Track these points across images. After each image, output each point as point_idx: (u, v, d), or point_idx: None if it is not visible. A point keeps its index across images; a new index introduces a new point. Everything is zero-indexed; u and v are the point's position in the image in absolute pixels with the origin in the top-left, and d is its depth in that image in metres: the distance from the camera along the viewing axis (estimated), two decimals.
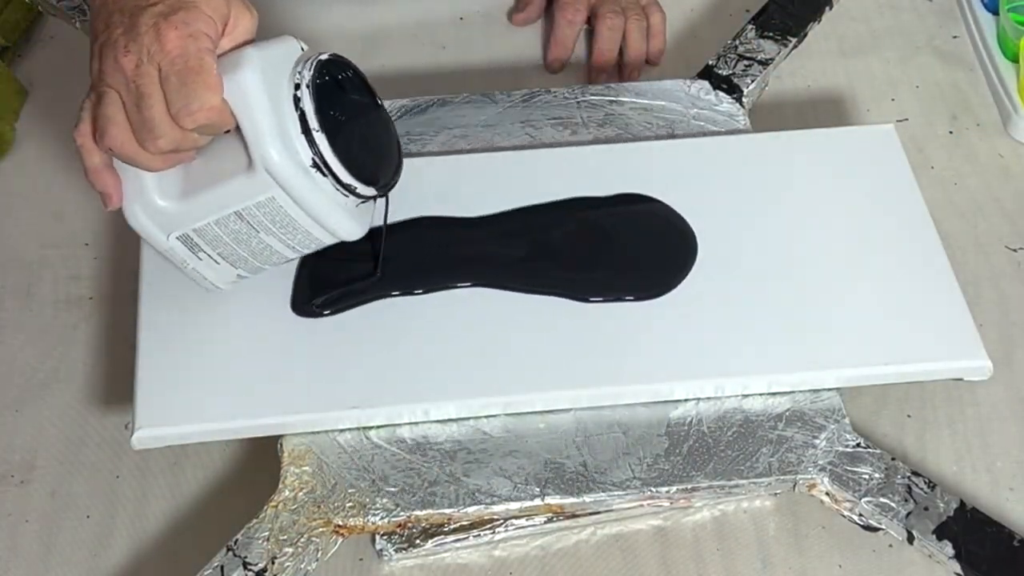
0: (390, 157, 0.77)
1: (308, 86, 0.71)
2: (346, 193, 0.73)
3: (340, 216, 0.74)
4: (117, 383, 0.84)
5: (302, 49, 0.73)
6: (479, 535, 0.77)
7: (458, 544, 0.77)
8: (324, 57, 0.73)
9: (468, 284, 0.80)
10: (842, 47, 1.05)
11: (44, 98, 1.01)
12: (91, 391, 0.84)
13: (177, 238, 0.75)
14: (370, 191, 0.74)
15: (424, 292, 0.80)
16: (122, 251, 0.91)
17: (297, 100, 0.70)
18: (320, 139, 0.71)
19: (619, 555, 0.77)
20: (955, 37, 1.06)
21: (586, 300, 0.80)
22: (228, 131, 0.70)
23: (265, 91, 0.69)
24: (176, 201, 0.74)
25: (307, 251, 0.76)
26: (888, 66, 1.04)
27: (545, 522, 0.77)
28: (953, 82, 1.02)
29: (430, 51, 1.04)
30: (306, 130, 0.70)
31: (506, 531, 0.77)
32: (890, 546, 0.77)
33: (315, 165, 0.71)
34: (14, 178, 0.96)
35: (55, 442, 0.82)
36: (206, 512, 0.79)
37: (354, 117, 0.74)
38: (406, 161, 0.82)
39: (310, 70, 0.71)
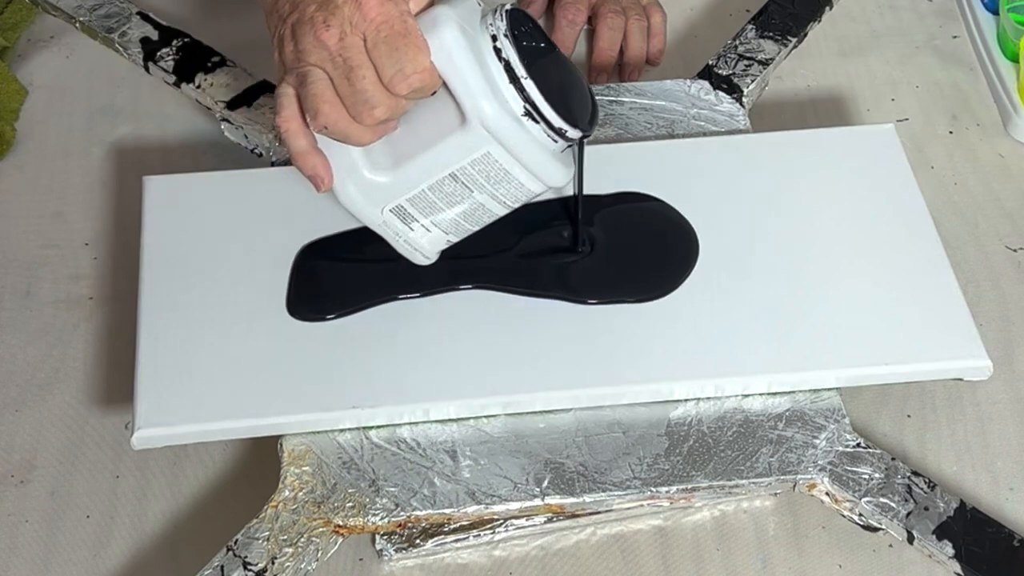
0: (584, 98, 0.75)
1: (506, 35, 0.70)
2: (556, 138, 0.72)
3: (552, 162, 0.73)
4: (117, 383, 0.84)
5: (479, 3, 0.72)
6: (479, 535, 0.77)
7: (458, 544, 0.77)
8: (508, 7, 0.71)
9: (468, 287, 0.80)
10: (842, 47, 1.05)
11: (44, 98, 1.01)
12: (91, 391, 0.84)
13: (391, 211, 0.74)
14: (577, 132, 0.72)
15: (423, 296, 0.80)
16: (122, 251, 0.91)
17: (498, 51, 0.70)
18: (529, 85, 0.70)
19: (619, 555, 0.77)
20: (955, 37, 1.06)
21: (587, 303, 0.80)
22: (434, 93, 0.70)
23: (468, 47, 0.69)
24: (388, 173, 0.73)
25: (516, 205, 0.75)
26: (888, 66, 1.04)
27: (545, 522, 0.77)
28: (953, 82, 1.02)
29: None
30: (514, 79, 0.70)
31: (506, 531, 0.77)
32: (890, 546, 0.77)
33: (527, 113, 0.70)
34: (14, 178, 0.96)
35: (55, 442, 0.82)
36: (206, 512, 0.79)
37: (547, 63, 0.73)
38: None
39: (503, 20, 0.70)
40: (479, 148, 0.71)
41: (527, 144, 0.71)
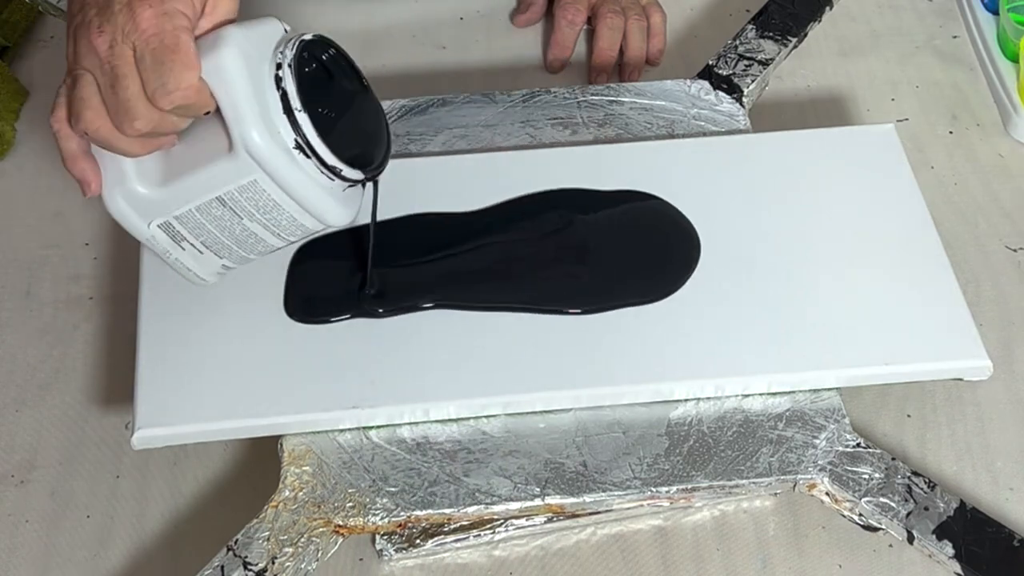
0: (379, 140, 0.74)
1: (290, 65, 0.68)
2: (331, 176, 0.71)
3: (326, 200, 0.71)
4: (117, 383, 0.84)
5: (285, 31, 0.71)
6: (479, 535, 0.77)
7: (458, 544, 0.77)
8: (308, 37, 0.70)
9: (468, 306, 0.80)
10: (842, 47, 1.05)
11: (44, 98, 1.01)
12: (91, 391, 0.84)
13: (159, 226, 0.73)
14: (356, 174, 0.71)
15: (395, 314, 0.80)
16: (122, 251, 0.91)
17: (279, 80, 0.68)
18: (303, 119, 0.69)
19: (619, 555, 0.77)
20: (955, 37, 1.06)
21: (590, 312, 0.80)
22: (209, 113, 0.68)
23: (246, 71, 0.67)
24: (157, 187, 0.72)
25: (294, 239, 0.75)
26: (888, 66, 1.04)
27: (545, 522, 0.77)
28: (953, 82, 1.02)
29: (430, 51, 1.04)
30: (288, 110, 0.68)
31: (506, 531, 0.77)
32: (890, 546, 0.77)
33: (298, 146, 0.69)
34: (14, 178, 0.96)
35: (55, 442, 0.82)
36: (206, 512, 0.79)
37: (340, 99, 0.72)
38: (405, 161, 0.82)
39: (292, 50, 0.69)
40: (246, 175, 0.70)
41: (297, 177, 0.70)
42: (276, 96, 0.68)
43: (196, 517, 0.79)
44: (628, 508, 0.76)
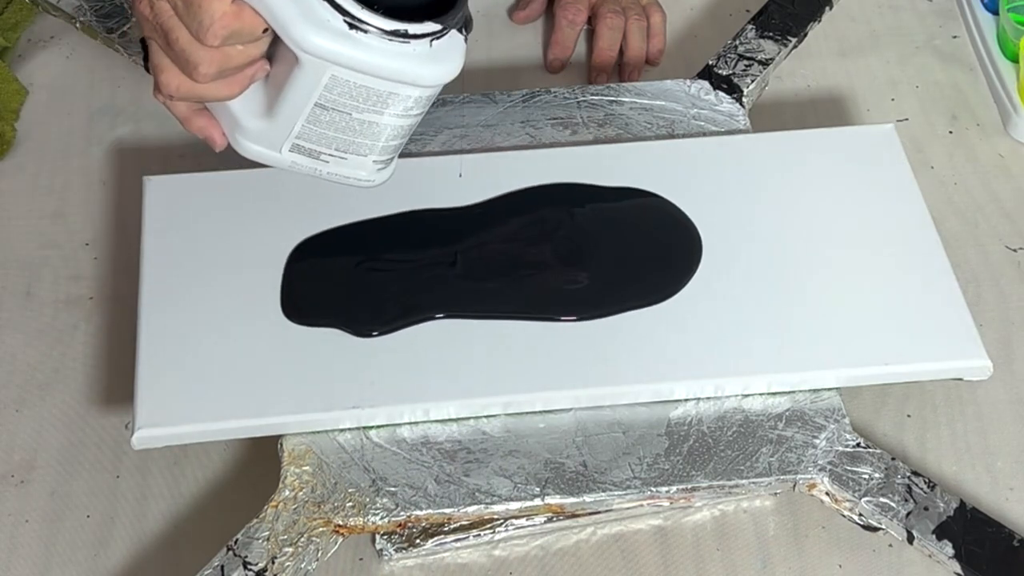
0: None
1: None
2: (403, 40, 0.67)
3: (412, 67, 0.68)
4: (117, 383, 0.84)
5: None
6: (479, 535, 0.77)
7: (458, 544, 0.77)
8: None
9: (469, 315, 0.79)
10: (842, 47, 1.05)
11: (44, 98, 1.01)
12: (91, 391, 0.84)
13: (290, 151, 0.73)
14: (429, 27, 0.68)
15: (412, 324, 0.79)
16: (122, 251, 0.91)
17: None
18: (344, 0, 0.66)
19: (619, 555, 0.77)
20: (955, 37, 1.06)
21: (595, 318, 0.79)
22: (267, 30, 0.67)
23: None
24: (267, 118, 0.72)
25: (416, 111, 0.71)
26: (888, 66, 1.04)
27: (545, 522, 0.77)
28: (953, 82, 1.02)
29: None
30: None
31: (506, 531, 0.77)
32: (890, 546, 0.77)
33: (352, 26, 0.66)
34: (14, 178, 0.96)
35: (55, 442, 0.82)
36: (206, 512, 0.79)
37: None
38: (404, 161, 0.82)
39: None
40: (323, 75, 0.68)
41: (369, 58, 0.67)
42: None
43: (196, 517, 0.79)
44: (628, 508, 0.76)
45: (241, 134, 0.72)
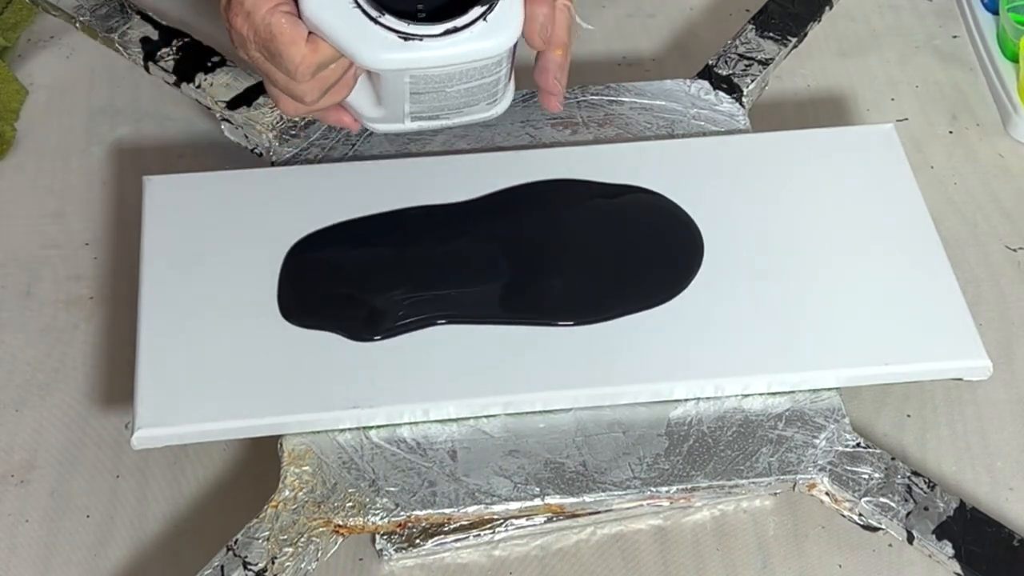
0: None
1: None
2: (456, 32, 0.72)
3: (474, 47, 0.73)
4: (117, 383, 0.84)
5: None
6: (479, 535, 0.77)
7: (458, 544, 0.77)
8: None
9: (466, 320, 0.79)
10: (842, 47, 1.05)
11: (44, 98, 1.01)
12: (91, 391, 0.84)
13: (412, 121, 0.78)
14: (475, 12, 0.72)
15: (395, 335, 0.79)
16: (122, 251, 0.91)
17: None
18: (389, 20, 0.71)
19: (619, 555, 0.77)
20: (955, 37, 1.06)
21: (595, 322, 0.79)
22: None
23: (328, 4, 0.71)
24: (380, 105, 0.77)
25: (504, 63, 0.76)
26: (888, 66, 1.04)
27: (545, 522, 0.77)
28: (953, 82, 1.02)
29: None
30: (374, 20, 0.71)
31: (506, 531, 0.77)
32: (890, 546, 0.77)
33: (406, 38, 0.71)
34: (14, 178, 0.96)
35: (55, 442, 0.82)
36: (206, 512, 0.79)
37: None
38: (404, 161, 0.83)
39: None
40: (402, 76, 0.73)
41: (432, 55, 0.72)
42: (360, 13, 0.71)
43: (196, 517, 0.79)
44: (628, 508, 0.76)
45: (367, 119, 0.79)
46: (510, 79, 0.80)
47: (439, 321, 0.79)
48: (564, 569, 0.77)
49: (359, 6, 0.71)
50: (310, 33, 0.72)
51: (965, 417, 0.83)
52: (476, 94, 0.77)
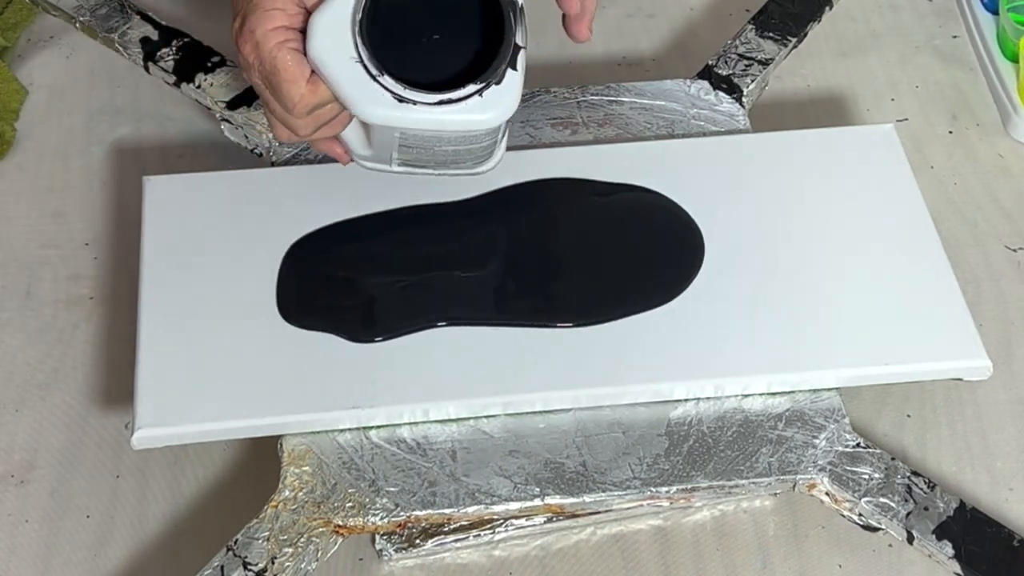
0: (496, 43, 0.73)
1: (359, 30, 0.71)
2: (448, 100, 0.72)
3: (466, 118, 0.73)
4: (117, 383, 0.84)
5: None
6: (479, 535, 0.77)
7: (458, 544, 0.77)
8: None
9: (466, 322, 0.79)
10: (842, 47, 1.05)
11: (44, 98, 1.01)
12: (91, 391, 0.84)
13: (399, 167, 0.79)
14: (471, 88, 0.72)
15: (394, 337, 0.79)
16: (122, 251, 0.91)
17: (357, 46, 0.71)
18: (387, 82, 0.71)
19: (619, 555, 0.77)
20: (955, 37, 1.06)
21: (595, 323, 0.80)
22: None
23: (334, 56, 0.71)
24: (369, 147, 0.78)
25: (491, 136, 0.76)
26: (888, 66, 1.04)
27: (545, 522, 0.77)
28: (953, 82, 1.02)
29: None
30: (373, 78, 0.71)
31: (506, 531, 0.77)
32: (890, 546, 0.77)
33: (401, 100, 0.71)
34: (14, 178, 0.96)
35: (55, 442, 0.82)
36: (206, 512, 0.79)
37: (424, 26, 0.75)
38: None
39: (360, 12, 0.71)
40: (393, 131, 0.74)
41: (423, 118, 0.72)
42: (360, 68, 0.71)
43: (196, 517, 0.79)
44: (628, 508, 0.76)
45: (359, 157, 0.80)
46: (503, 138, 0.79)
47: (439, 324, 0.79)
48: (564, 569, 0.77)
49: (361, 62, 0.71)
50: (312, 72, 0.72)
51: (965, 417, 0.83)
52: (464, 156, 0.78)
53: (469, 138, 0.75)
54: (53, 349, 0.86)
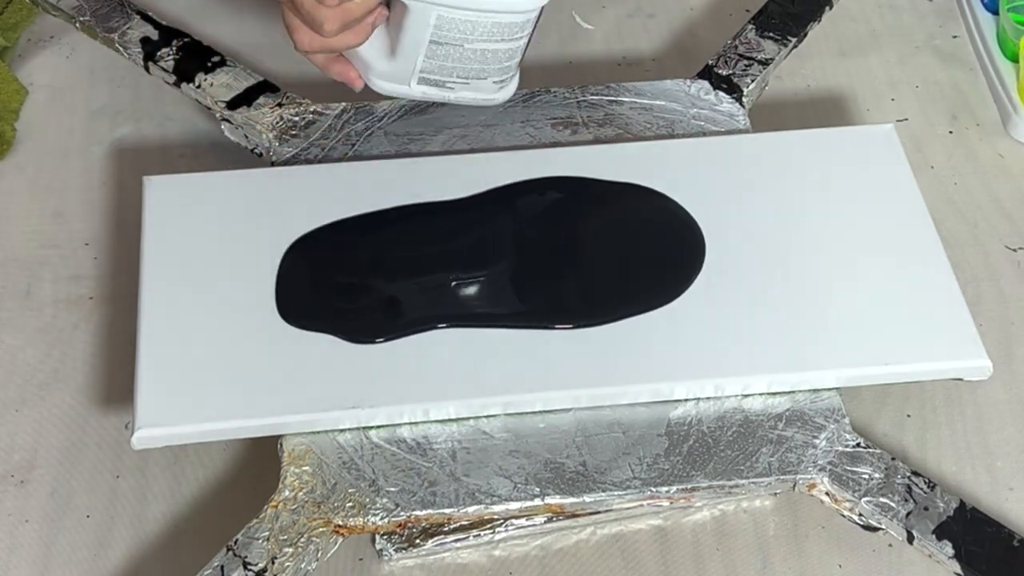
0: None
1: None
2: None
3: None
4: (117, 383, 0.84)
5: None
6: (479, 535, 0.77)
7: (458, 544, 0.77)
8: None
9: (467, 324, 0.79)
10: (842, 47, 1.05)
11: (44, 98, 1.01)
12: (91, 391, 0.84)
13: (418, 84, 0.80)
14: None
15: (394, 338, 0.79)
16: (122, 251, 0.91)
17: None
18: None
19: (619, 555, 0.77)
20: (955, 37, 1.06)
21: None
22: None
23: None
24: (393, 59, 0.80)
25: (523, 34, 0.78)
26: (888, 66, 1.04)
27: (545, 522, 0.77)
28: (953, 82, 1.02)
29: None
30: None
31: (506, 531, 0.77)
32: (890, 546, 0.77)
33: None
34: (14, 178, 0.96)
35: (55, 442, 0.82)
36: (206, 512, 0.79)
37: None
38: (404, 161, 0.82)
39: None
40: (429, 16, 0.76)
41: None
42: None
43: (196, 517, 0.79)
44: (628, 508, 0.76)
45: (374, 74, 0.81)
46: (519, 68, 0.82)
47: (439, 326, 0.79)
48: (564, 569, 0.77)
49: None
50: None
51: (965, 417, 0.83)
52: (490, 62, 0.79)
53: (504, 29, 0.76)
54: (53, 349, 0.86)
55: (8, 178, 0.96)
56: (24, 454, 0.82)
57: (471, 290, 0.81)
